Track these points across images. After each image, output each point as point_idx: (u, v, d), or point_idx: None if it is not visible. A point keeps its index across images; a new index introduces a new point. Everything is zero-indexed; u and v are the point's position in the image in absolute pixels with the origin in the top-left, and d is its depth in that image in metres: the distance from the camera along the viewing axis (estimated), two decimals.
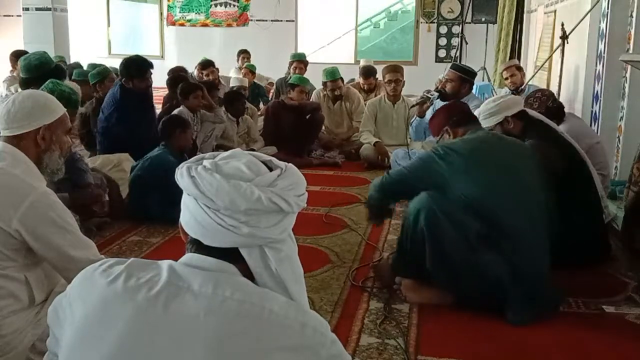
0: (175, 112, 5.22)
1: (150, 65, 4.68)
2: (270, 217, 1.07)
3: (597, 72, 4.50)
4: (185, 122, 4.26)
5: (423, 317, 2.54)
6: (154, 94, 5.51)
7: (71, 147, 2.27)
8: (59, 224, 1.87)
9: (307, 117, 5.95)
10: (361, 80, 6.94)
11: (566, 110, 5.29)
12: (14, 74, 6.63)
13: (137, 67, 4.55)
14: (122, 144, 4.39)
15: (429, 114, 4.93)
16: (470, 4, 9.84)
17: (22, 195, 1.82)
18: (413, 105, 5.05)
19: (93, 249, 1.97)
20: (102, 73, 5.28)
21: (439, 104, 4.89)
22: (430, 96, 4.85)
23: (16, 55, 6.70)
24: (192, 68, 7.89)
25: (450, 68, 4.85)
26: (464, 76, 4.71)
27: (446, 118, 2.97)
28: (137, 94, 4.53)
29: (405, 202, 2.94)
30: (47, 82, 3.40)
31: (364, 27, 13.72)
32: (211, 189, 1.04)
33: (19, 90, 3.63)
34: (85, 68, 6.18)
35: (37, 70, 3.68)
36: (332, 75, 6.21)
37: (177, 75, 6.09)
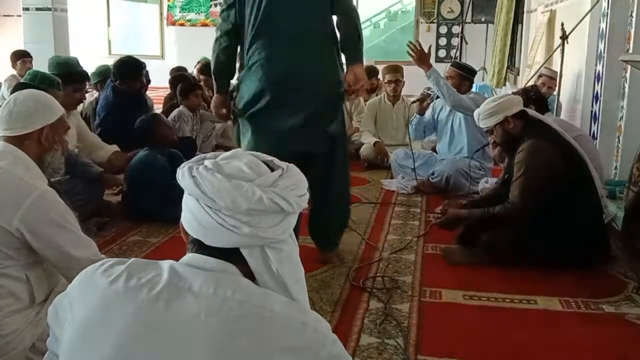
0: (175, 112, 5.23)
1: (143, 66, 4.70)
2: (271, 217, 1.07)
3: (597, 72, 4.50)
4: (157, 117, 4.20)
5: (423, 317, 2.54)
6: (154, 94, 5.52)
7: (68, 145, 2.28)
8: (59, 223, 1.87)
9: None
10: None
11: (564, 110, 5.34)
12: (15, 74, 6.64)
13: (131, 68, 4.57)
14: (120, 145, 4.39)
15: (429, 112, 4.95)
16: (470, 4, 9.84)
17: (23, 194, 1.83)
18: (413, 102, 5.05)
19: (94, 249, 1.97)
20: (103, 73, 5.29)
21: (439, 102, 4.90)
22: (430, 93, 4.85)
23: (16, 55, 6.71)
24: (192, 68, 7.89)
25: (451, 65, 4.87)
26: (464, 74, 4.73)
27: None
28: (132, 95, 4.53)
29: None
30: (28, 71, 3.45)
31: (364, 27, 13.71)
32: (212, 189, 1.04)
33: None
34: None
35: (63, 68, 3.70)
36: None
37: (179, 75, 6.09)
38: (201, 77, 7.29)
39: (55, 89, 3.35)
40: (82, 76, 3.88)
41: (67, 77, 3.68)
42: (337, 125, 3.03)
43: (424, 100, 4.85)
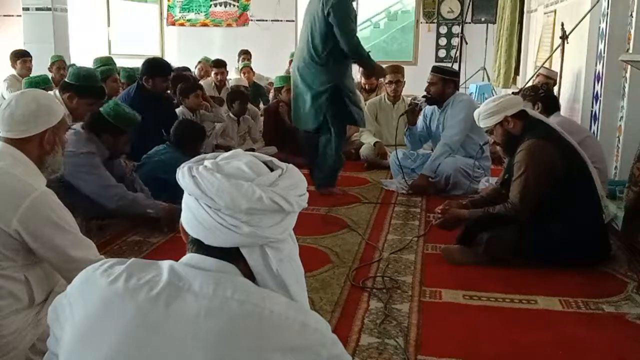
0: (176, 111, 5.22)
1: (171, 69, 4.77)
2: (271, 216, 1.07)
3: (597, 72, 4.50)
4: (204, 134, 4.41)
5: (423, 317, 2.54)
6: None
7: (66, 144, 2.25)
8: (58, 224, 1.87)
9: None
10: (362, 80, 6.94)
11: (564, 110, 5.34)
12: (15, 74, 6.63)
13: (161, 66, 4.65)
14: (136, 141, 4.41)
15: (420, 121, 4.95)
16: (470, 4, 9.82)
17: (21, 195, 1.82)
18: (402, 115, 5.05)
19: (93, 249, 1.96)
20: (105, 72, 5.30)
21: (428, 109, 4.89)
22: (417, 102, 4.85)
23: (16, 55, 6.71)
24: (192, 68, 7.91)
25: (431, 71, 4.82)
26: (446, 77, 4.71)
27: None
28: (154, 95, 4.55)
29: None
30: (109, 103, 3.54)
31: (364, 27, 13.71)
32: (212, 189, 1.04)
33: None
34: (92, 64, 6.19)
35: (83, 80, 3.73)
36: None
37: (178, 75, 6.09)
38: (202, 75, 7.30)
39: (134, 128, 3.53)
40: (101, 92, 3.91)
41: (86, 89, 3.71)
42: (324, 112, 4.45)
43: (413, 110, 4.85)
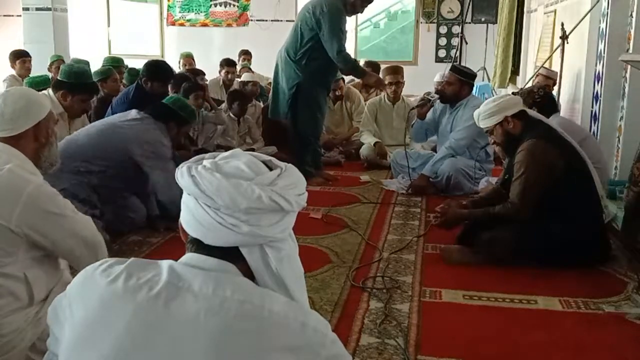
0: None
1: (172, 75, 4.78)
2: (270, 215, 1.07)
3: (597, 72, 4.50)
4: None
5: (423, 317, 2.54)
6: None
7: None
8: (56, 212, 1.90)
9: None
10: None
11: (564, 110, 5.34)
12: (15, 74, 6.63)
13: (162, 70, 4.63)
14: None
15: (429, 114, 4.94)
16: (470, 4, 9.81)
17: (18, 190, 1.83)
18: (413, 108, 5.05)
19: (92, 225, 2.03)
20: (105, 72, 5.31)
21: (440, 105, 4.89)
22: (430, 98, 4.85)
23: (15, 55, 6.71)
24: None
25: (450, 70, 4.83)
26: (464, 79, 4.71)
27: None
28: (151, 97, 4.55)
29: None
30: (172, 96, 3.77)
31: (364, 27, 13.69)
32: (211, 188, 1.04)
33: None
34: (102, 62, 6.21)
35: (75, 77, 3.73)
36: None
37: (179, 75, 6.07)
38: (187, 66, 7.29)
39: (194, 119, 3.77)
40: (93, 88, 3.93)
41: (79, 87, 3.72)
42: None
43: (424, 105, 4.85)
